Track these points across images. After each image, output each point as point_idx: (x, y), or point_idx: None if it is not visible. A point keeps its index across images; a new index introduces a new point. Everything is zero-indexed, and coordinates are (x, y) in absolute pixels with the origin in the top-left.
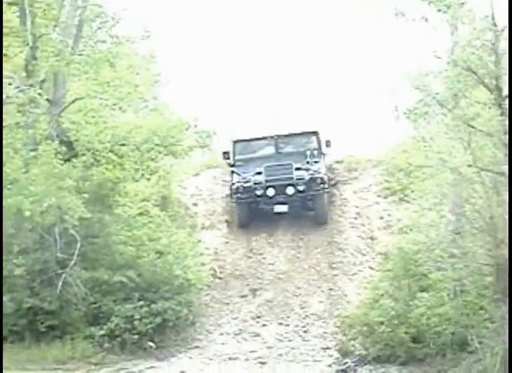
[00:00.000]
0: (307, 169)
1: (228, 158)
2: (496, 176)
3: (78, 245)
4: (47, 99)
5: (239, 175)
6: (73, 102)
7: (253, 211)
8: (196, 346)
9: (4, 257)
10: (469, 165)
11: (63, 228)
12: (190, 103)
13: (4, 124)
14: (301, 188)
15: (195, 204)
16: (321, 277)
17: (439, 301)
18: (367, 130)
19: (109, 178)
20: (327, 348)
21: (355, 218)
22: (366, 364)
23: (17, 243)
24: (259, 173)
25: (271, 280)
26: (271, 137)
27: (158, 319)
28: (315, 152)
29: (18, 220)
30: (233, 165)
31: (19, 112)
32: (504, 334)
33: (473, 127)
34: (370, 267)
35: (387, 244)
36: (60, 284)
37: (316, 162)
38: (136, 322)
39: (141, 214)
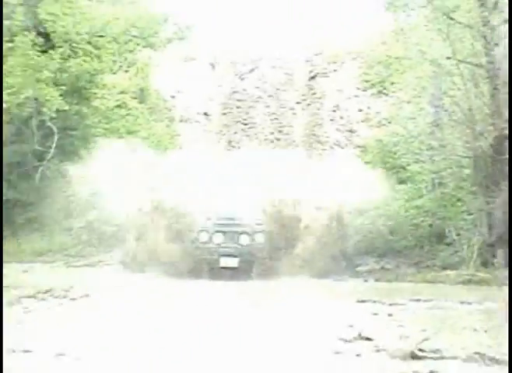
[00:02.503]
0: None
1: None
2: (475, 68)
3: (56, 137)
4: None
5: None
6: None
7: None
8: None
9: None
10: (448, 58)
11: (40, 121)
12: None
13: None
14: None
15: (173, 97)
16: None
17: (417, 193)
18: (346, 22)
19: (86, 70)
20: None
21: (334, 111)
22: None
23: None
24: None
25: None
26: None
27: None
28: None
29: None
30: None
31: None
32: (481, 226)
33: (452, 18)
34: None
35: (366, 137)
36: (38, 176)
37: None
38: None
39: (119, 106)
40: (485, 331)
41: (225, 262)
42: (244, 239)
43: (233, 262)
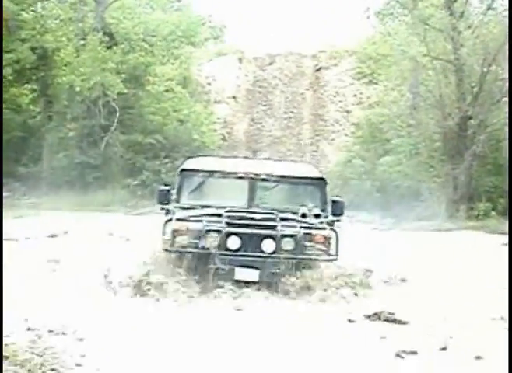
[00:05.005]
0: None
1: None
2: (445, 63)
3: (118, 114)
4: None
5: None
6: (114, 1)
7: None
8: None
9: (59, 123)
10: (424, 55)
11: (105, 101)
12: (206, 3)
13: (60, 19)
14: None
15: (209, 83)
16: (307, 142)
17: (398, 161)
18: (344, 26)
19: (142, 62)
20: None
21: (335, 96)
22: None
23: (70, 112)
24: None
25: (268, 144)
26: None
27: None
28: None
29: (70, 94)
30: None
31: (71, 9)
32: (448, 187)
33: (428, 24)
34: (346, 134)
35: (359, 116)
36: (103, 144)
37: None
38: (163, 175)
39: (167, 90)
40: None
41: None
42: None
43: None
